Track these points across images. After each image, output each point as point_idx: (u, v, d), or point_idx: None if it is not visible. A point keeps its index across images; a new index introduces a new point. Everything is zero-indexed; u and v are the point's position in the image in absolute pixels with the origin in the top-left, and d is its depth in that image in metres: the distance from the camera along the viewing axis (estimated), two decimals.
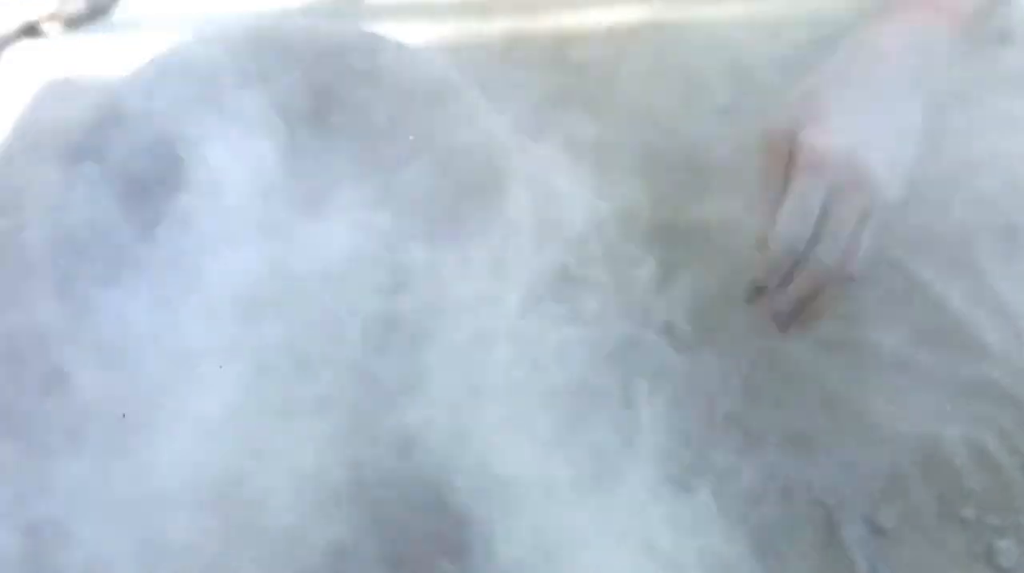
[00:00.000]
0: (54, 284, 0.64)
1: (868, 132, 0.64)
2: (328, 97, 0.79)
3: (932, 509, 0.78)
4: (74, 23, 1.08)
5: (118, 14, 1.15)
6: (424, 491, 0.66)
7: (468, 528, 0.66)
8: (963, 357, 0.86)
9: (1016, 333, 0.87)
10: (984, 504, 0.78)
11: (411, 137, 0.77)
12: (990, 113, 0.98)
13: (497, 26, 1.07)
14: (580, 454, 0.82)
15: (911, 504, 0.77)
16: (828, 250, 0.63)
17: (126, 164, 0.67)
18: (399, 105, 0.79)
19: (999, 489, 0.78)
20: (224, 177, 0.65)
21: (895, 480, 0.79)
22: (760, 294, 0.71)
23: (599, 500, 0.79)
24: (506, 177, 0.75)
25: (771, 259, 0.65)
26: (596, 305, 0.85)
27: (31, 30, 1.04)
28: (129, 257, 0.62)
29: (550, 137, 0.99)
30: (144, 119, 0.70)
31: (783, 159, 0.65)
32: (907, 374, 0.86)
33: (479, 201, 0.76)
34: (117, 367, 0.58)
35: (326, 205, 0.67)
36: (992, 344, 0.86)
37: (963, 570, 0.75)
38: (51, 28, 1.07)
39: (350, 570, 0.62)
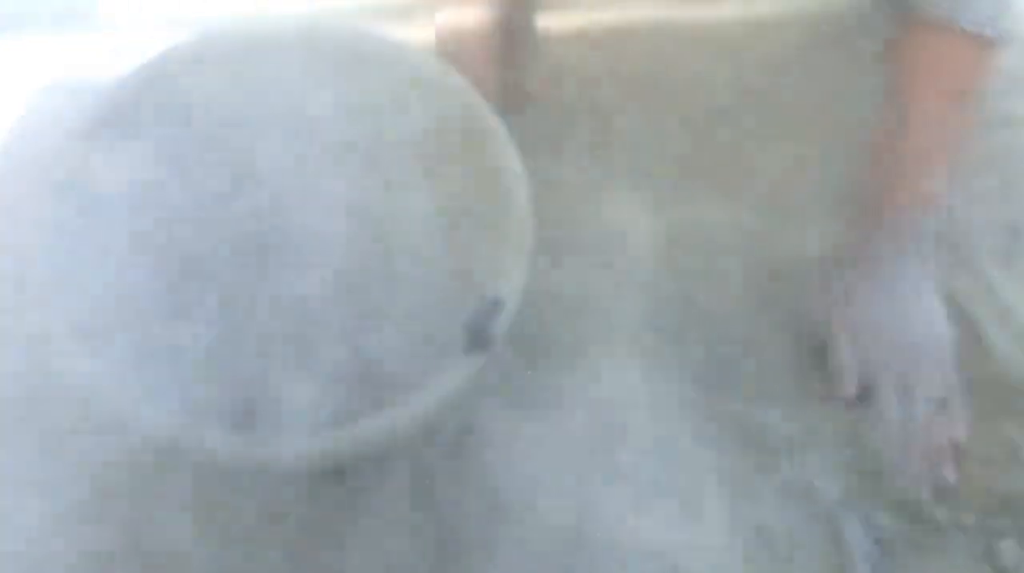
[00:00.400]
0: None
1: (903, 337, 0.81)
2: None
3: (933, 510, 0.78)
4: None
5: (116, 14, 1.15)
6: None
7: None
8: (965, 356, 0.86)
9: (1017, 332, 0.87)
10: (985, 505, 0.78)
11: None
12: (989, 113, 0.98)
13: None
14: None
15: (911, 505, 0.78)
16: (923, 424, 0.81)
17: None
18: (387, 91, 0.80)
19: (1000, 489, 0.79)
20: None
21: (895, 480, 0.80)
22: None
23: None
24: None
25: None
26: None
27: None
28: None
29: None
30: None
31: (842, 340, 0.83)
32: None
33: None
34: None
35: None
36: (993, 343, 0.87)
37: (964, 571, 0.75)
38: None
39: None
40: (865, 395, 0.81)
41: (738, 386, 0.85)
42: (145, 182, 0.78)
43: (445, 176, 0.83)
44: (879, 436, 0.80)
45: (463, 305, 0.70)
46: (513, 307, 0.68)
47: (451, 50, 0.91)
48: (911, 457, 0.78)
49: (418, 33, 1.07)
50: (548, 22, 1.05)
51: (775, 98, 1.02)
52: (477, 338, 0.64)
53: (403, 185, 0.85)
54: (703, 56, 1.03)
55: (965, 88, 0.86)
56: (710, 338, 0.88)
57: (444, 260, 0.83)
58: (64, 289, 0.67)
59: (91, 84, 1.08)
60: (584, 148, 0.99)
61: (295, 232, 0.83)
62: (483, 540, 0.75)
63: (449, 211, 0.83)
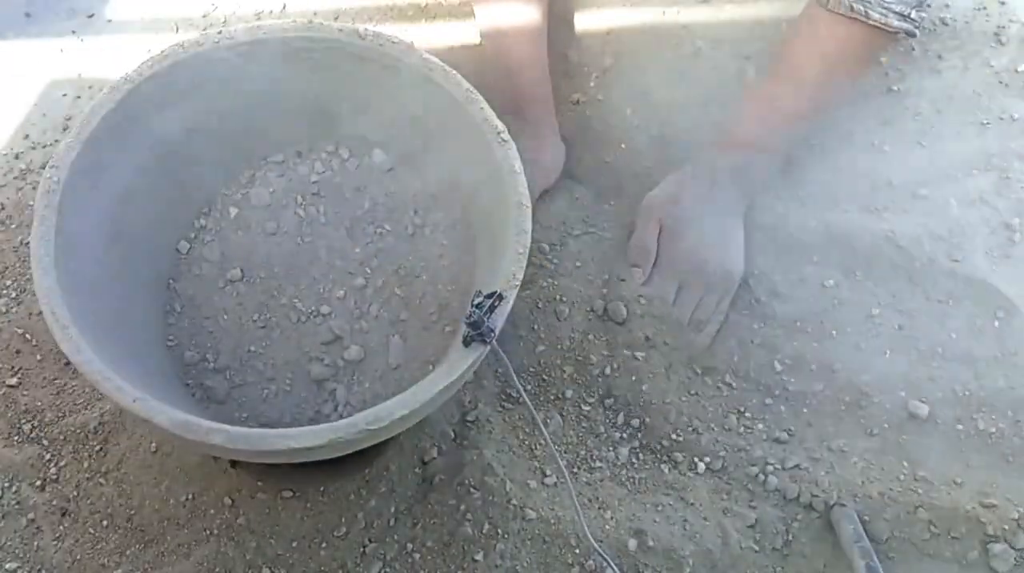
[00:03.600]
0: None
1: (708, 238, 0.90)
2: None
3: (931, 512, 0.78)
4: None
5: (116, 14, 1.15)
6: None
7: None
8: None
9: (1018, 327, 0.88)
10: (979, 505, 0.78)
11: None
12: (984, 112, 0.98)
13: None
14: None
15: (909, 505, 0.78)
16: (682, 316, 0.89)
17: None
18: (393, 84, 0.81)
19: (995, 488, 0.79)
20: None
21: (892, 482, 0.80)
22: None
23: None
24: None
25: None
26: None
27: None
28: None
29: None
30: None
31: (656, 227, 0.91)
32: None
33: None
34: None
35: None
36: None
37: (959, 572, 0.75)
38: None
39: None
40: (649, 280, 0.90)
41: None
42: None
43: (450, 176, 0.83)
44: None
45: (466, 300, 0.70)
46: (511, 302, 0.68)
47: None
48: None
49: (418, 34, 1.08)
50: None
51: None
52: (477, 331, 0.65)
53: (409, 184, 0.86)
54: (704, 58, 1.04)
55: (845, 65, 0.88)
56: None
57: (451, 259, 0.83)
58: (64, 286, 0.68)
59: (94, 84, 1.09)
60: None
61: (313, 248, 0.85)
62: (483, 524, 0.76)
63: (453, 211, 0.84)
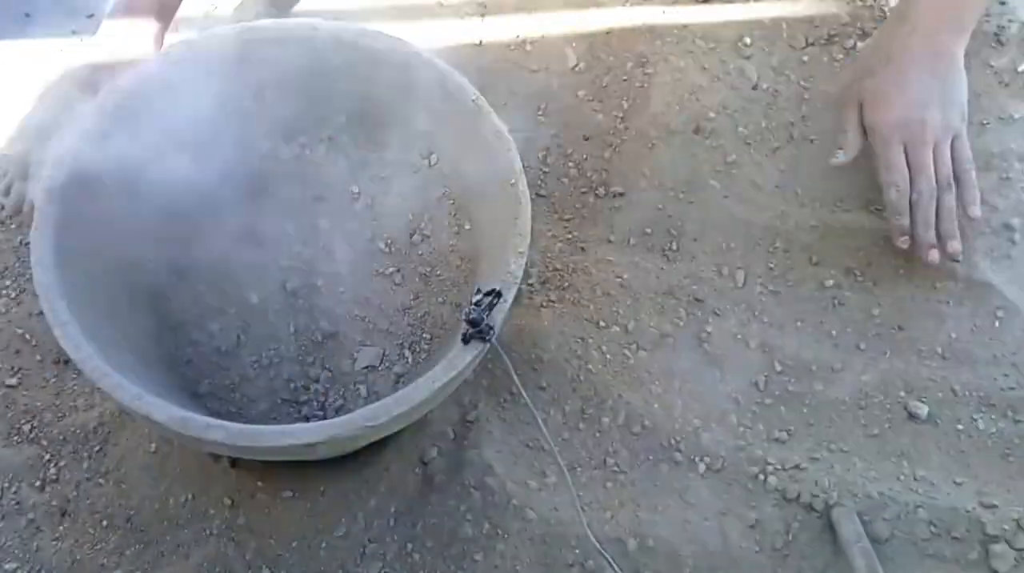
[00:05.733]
0: None
1: (921, 95, 0.86)
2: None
3: (931, 512, 0.78)
4: None
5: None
6: None
7: None
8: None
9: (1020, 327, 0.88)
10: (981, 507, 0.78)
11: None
12: (984, 112, 0.98)
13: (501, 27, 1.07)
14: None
15: (909, 505, 0.78)
16: (938, 189, 0.86)
17: None
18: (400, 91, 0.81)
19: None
20: None
21: (892, 482, 0.80)
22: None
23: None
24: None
25: (898, 223, 0.87)
26: None
27: None
28: None
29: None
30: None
31: (856, 109, 0.89)
32: None
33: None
34: None
35: None
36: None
37: (959, 572, 0.75)
38: None
39: None
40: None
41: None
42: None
43: (453, 177, 0.84)
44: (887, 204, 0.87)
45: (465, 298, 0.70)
46: (510, 300, 0.68)
47: None
48: (918, 227, 0.86)
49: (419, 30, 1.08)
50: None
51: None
52: (476, 329, 0.65)
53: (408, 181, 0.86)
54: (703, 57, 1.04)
55: None
56: None
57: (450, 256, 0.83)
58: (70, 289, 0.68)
59: (96, 82, 1.09)
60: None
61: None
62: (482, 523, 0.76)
63: (454, 210, 0.84)
